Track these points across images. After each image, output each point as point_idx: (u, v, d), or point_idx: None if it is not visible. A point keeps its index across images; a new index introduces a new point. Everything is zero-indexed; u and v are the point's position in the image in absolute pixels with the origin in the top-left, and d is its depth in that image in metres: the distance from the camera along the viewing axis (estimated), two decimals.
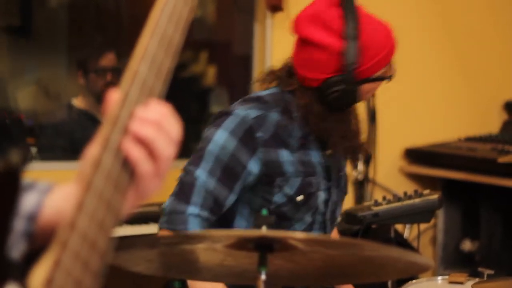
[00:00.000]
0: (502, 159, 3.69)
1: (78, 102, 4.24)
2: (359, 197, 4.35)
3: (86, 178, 1.00)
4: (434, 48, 4.54)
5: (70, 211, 0.99)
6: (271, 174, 2.33)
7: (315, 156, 2.43)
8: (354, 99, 2.38)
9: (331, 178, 2.45)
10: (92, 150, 1.04)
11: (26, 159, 0.99)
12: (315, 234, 1.73)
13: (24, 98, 4.39)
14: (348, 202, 4.34)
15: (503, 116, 4.63)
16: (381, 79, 2.42)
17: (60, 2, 4.58)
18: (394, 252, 1.66)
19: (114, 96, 1.05)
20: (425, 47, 4.51)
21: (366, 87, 2.40)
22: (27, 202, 1.11)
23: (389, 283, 2.78)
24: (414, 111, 4.51)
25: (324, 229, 2.44)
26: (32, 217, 1.13)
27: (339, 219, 2.69)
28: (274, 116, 2.36)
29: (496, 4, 4.71)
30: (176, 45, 1.09)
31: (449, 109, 4.59)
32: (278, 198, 2.36)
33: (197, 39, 4.87)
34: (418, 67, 4.50)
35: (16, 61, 4.47)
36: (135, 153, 1.03)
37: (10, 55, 4.46)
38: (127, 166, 1.03)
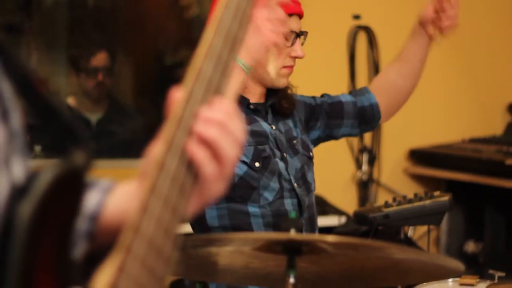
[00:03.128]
0: (510, 161, 3.68)
1: (72, 101, 4.21)
2: (363, 198, 4.34)
3: (151, 179, 0.96)
4: (438, 49, 4.51)
5: (133, 214, 0.95)
6: None
7: (264, 126, 2.44)
8: None
9: (279, 147, 2.44)
10: (156, 150, 0.99)
11: (90, 158, 0.95)
12: (345, 238, 1.70)
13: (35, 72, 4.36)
14: (352, 203, 4.34)
15: (507, 118, 4.63)
16: None
17: (58, 0, 4.55)
18: (424, 255, 1.64)
19: (177, 95, 1.01)
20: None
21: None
22: (89, 201, 1.07)
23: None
24: (418, 112, 4.50)
25: (297, 196, 2.43)
26: (94, 217, 1.09)
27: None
28: None
29: (500, 5, 4.71)
30: (240, 42, 1.06)
31: (453, 111, 4.58)
32: (238, 169, 2.35)
33: (196, 38, 4.85)
34: None
35: None
36: (200, 154, 0.99)
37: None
38: (191, 168, 0.99)
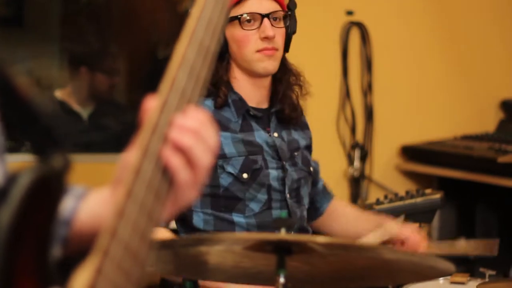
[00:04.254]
0: (502, 159, 3.68)
1: (61, 93, 4.20)
2: (355, 194, 4.34)
3: (127, 185, 0.99)
4: (431, 46, 4.53)
5: (110, 218, 0.97)
6: None
7: (259, 136, 2.44)
8: (224, 46, 2.41)
9: (280, 157, 2.44)
10: (131, 156, 1.02)
11: (69, 162, 0.96)
12: (336, 239, 1.70)
13: (17, 78, 4.35)
14: (344, 199, 4.33)
15: (499, 115, 4.63)
16: (233, 18, 2.40)
17: None
18: (415, 256, 1.64)
19: (152, 103, 1.04)
20: (422, 45, 4.50)
21: (228, 32, 2.42)
22: (63, 207, 1.10)
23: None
24: (410, 108, 4.50)
25: (287, 207, 2.43)
26: (68, 222, 1.13)
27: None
28: (208, 103, 2.41)
29: (495, 2, 4.71)
30: (212, 54, 1.09)
31: (445, 107, 4.58)
32: (224, 180, 2.35)
33: None
34: (414, 64, 4.49)
35: (7, 51, 4.42)
36: (175, 161, 1.02)
37: (1, 46, 4.41)
38: (166, 175, 1.02)
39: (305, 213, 2.52)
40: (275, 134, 2.47)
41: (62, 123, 4.13)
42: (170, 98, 1.03)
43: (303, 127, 2.61)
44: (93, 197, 1.17)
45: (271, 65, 2.43)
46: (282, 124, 2.51)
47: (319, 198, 2.69)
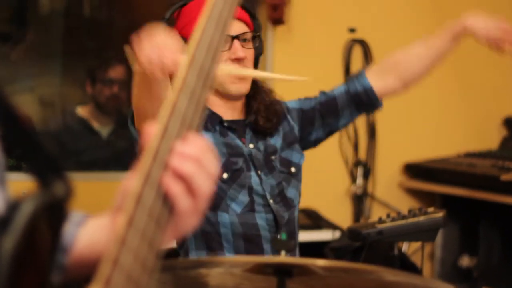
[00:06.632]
0: (506, 177, 3.67)
1: (82, 111, 4.21)
2: (358, 212, 4.33)
3: (128, 212, 0.97)
4: None
5: (111, 246, 0.96)
6: None
7: (237, 143, 2.45)
8: None
9: (255, 165, 2.44)
10: (132, 183, 1.01)
11: (71, 189, 0.96)
12: (336, 262, 1.68)
13: (19, 106, 4.35)
14: (347, 217, 4.33)
15: (502, 132, 4.62)
16: None
17: (54, 9, 4.54)
18: (415, 278, 1.63)
19: (153, 129, 1.02)
20: None
21: None
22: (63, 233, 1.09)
23: None
24: (413, 126, 4.50)
25: (272, 212, 2.42)
26: (66, 249, 1.13)
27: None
28: None
29: (498, 18, 4.70)
30: (212, 78, 1.07)
31: (448, 125, 4.58)
32: None
33: None
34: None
35: (10, 68, 4.43)
36: (176, 189, 1.01)
37: (3, 62, 4.42)
38: (167, 202, 1.01)
39: (295, 214, 2.51)
40: (251, 145, 2.47)
41: (81, 140, 4.14)
42: (170, 124, 1.02)
43: (283, 120, 2.58)
44: (91, 224, 1.16)
45: (244, 88, 2.44)
46: (258, 134, 2.50)
47: (354, 88, 2.65)
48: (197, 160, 1.02)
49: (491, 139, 4.58)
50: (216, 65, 1.08)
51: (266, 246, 2.39)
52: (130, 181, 1.03)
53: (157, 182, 1.00)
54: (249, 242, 2.36)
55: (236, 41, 2.40)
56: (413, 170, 4.43)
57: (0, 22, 4.36)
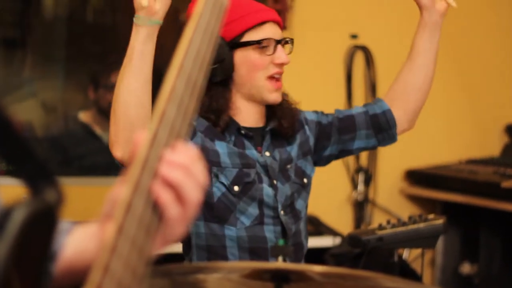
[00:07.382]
0: (506, 184, 3.67)
1: (84, 116, 4.21)
2: (359, 218, 4.33)
3: (118, 220, 0.97)
4: (436, 70, 4.52)
5: (102, 254, 0.96)
6: (208, 161, 2.32)
7: (252, 153, 2.42)
8: (229, 68, 2.37)
9: (270, 175, 2.43)
10: (121, 191, 1.01)
11: (61, 196, 0.96)
12: (334, 268, 1.68)
13: (22, 111, 4.36)
14: (348, 223, 4.33)
15: (504, 139, 4.62)
16: (248, 44, 2.38)
17: (57, 14, 4.55)
18: (413, 285, 1.63)
19: (142, 137, 1.03)
20: None
21: (240, 56, 2.38)
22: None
23: None
24: (414, 133, 4.46)
25: (281, 224, 2.41)
26: (54, 257, 1.13)
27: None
28: (201, 122, 2.39)
29: (499, 25, 4.71)
30: (200, 88, 1.08)
31: (450, 131, 4.57)
32: (217, 189, 2.33)
33: None
34: None
35: (13, 73, 4.44)
36: (165, 197, 1.01)
37: (6, 67, 4.42)
38: (156, 210, 1.02)
39: (301, 226, 2.50)
40: (267, 153, 2.45)
41: (83, 145, 4.14)
42: (159, 132, 1.02)
43: (300, 129, 2.57)
44: (79, 232, 1.17)
45: (279, 97, 2.43)
46: (276, 142, 2.49)
47: (374, 110, 2.63)
48: (186, 168, 1.03)
49: (493, 146, 4.58)
50: (204, 74, 1.09)
51: (272, 259, 2.38)
52: (118, 189, 1.03)
53: (147, 190, 1.00)
54: (254, 254, 2.35)
55: (279, 46, 2.40)
56: (414, 176, 4.42)
57: (3, 27, 4.36)
